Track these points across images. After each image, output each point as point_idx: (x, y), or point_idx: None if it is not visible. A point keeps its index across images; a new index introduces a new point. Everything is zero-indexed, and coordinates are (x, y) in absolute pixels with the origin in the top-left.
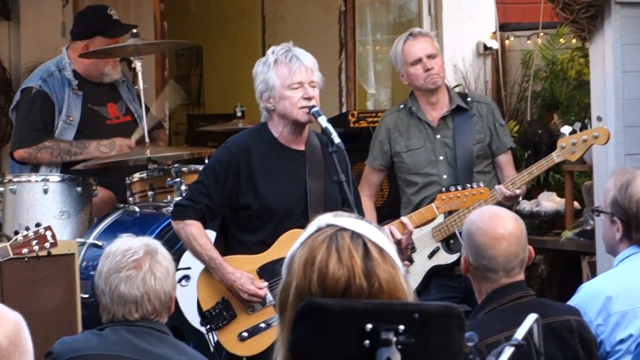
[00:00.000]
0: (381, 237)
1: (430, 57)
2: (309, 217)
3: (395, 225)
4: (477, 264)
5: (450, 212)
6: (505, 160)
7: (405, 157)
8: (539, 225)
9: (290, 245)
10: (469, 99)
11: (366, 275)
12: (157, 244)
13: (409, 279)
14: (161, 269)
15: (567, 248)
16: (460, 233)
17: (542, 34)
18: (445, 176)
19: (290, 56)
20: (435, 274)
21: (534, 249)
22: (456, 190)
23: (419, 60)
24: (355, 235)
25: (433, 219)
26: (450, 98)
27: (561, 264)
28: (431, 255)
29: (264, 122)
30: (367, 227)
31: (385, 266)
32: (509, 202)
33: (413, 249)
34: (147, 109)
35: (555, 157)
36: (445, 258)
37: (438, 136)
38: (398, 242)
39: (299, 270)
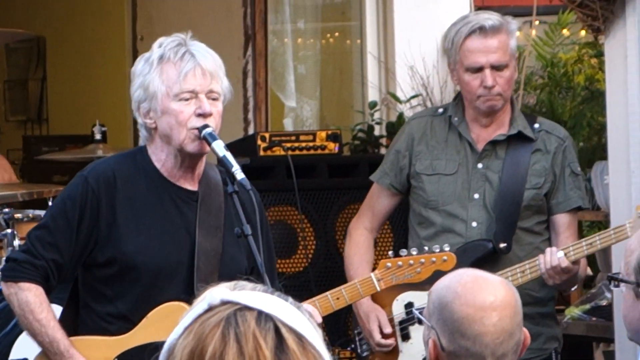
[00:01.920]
0: (302, 319)
1: (497, 68)
2: (194, 286)
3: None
4: (455, 346)
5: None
6: (567, 222)
7: (427, 182)
8: None
9: (163, 326)
10: (536, 125)
11: None
12: None
13: None
14: None
15: (573, 332)
16: (420, 312)
17: (537, 22)
18: (474, 223)
19: (183, 52)
20: None
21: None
22: (409, 255)
23: (480, 69)
24: (263, 316)
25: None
26: (512, 118)
27: (565, 355)
28: None
29: (142, 145)
30: (281, 305)
31: None
32: (556, 280)
33: (412, 321)
34: None
35: (629, 229)
36: None
37: (480, 165)
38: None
39: None
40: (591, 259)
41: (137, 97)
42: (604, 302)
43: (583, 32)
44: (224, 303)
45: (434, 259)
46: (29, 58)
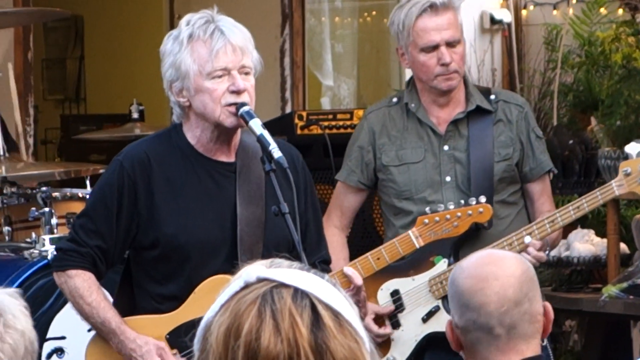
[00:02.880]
0: (338, 296)
1: (451, 45)
2: (239, 258)
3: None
4: (463, 321)
5: (455, 253)
6: (540, 188)
7: (396, 173)
8: (569, 278)
9: (211, 300)
10: (492, 97)
11: (315, 352)
12: (8, 299)
13: (395, 350)
14: (14, 338)
15: (610, 310)
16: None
17: (574, 1)
18: (452, 206)
19: (212, 30)
20: (432, 344)
21: (563, 311)
22: (445, 210)
23: (435, 48)
24: (299, 294)
25: (428, 262)
26: (468, 95)
27: (602, 333)
28: (427, 317)
29: (176, 123)
30: (317, 283)
31: (344, 338)
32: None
33: (400, 308)
34: None
35: (616, 187)
36: None
37: (446, 147)
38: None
39: (217, 344)
40: (629, 237)
41: (168, 76)
42: None
43: (620, 11)
44: (260, 280)
45: (470, 211)
46: (67, 37)
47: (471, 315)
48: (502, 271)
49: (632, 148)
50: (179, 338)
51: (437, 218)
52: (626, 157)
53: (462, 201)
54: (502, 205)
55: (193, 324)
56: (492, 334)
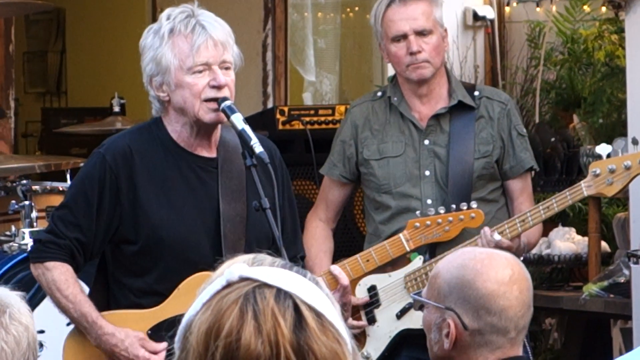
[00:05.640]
0: (321, 296)
1: (420, 33)
2: (223, 254)
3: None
4: (480, 324)
5: (431, 251)
6: (520, 186)
7: (376, 167)
8: (550, 276)
9: (194, 297)
10: (476, 93)
11: (297, 353)
12: (14, 296)
13: (370, 346)
14: (18, 330)
15: (591, 309)
16: (418, 294)
17: None
18: (429, 200)
19: (194, 24)
20: (406, 341)
21: (544, 309)
22: (437, 214)
23: (403, 37)
24: (282, 293)
25: (404, 258)
26: (450, 90)
27: (582, 332)
28: (401, 313)
29: (156, 117)
30: (300, 282)
31: (326, 340)
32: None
33: (377, 304)
34: None
35: (585, 188)
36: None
37: (426, 142)
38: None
39: (198, 344)
40: (610, 236)
41: (149, 70)
42: (622, 279)
43: (604, 8)
44: (243, 279)
45: (462, 216)
46: (49, 30)
47: (491, 319)
48: (516, 274)
49: (602, 149)
50: (161, 334)
51: (428, 222)
52: (609, 155)
53: (454, 205)
54: (481, 203)
55: (175, 321)
56: (507, 337)
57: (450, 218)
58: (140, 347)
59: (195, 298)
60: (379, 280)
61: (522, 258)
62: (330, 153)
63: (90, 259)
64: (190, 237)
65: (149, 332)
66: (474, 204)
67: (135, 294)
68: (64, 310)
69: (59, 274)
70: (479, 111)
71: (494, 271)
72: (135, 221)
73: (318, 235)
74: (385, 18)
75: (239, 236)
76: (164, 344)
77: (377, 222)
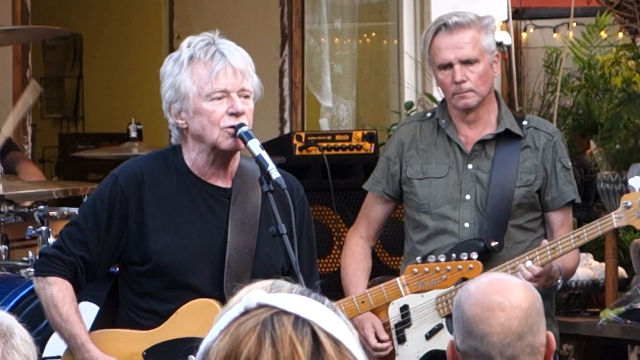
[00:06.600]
0: (339, 323)
1: (466, 63)
2: (225, 285)
3: None
4: (465, 346)
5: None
6: (561, 219)
7: (418, 186)
8: (567, 302)
9: (192, 322)
10: (524, 122)
11: None
12: (12, 322)
13: None
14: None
15: (608, 335)
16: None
17: (574, 24)
18: (467, 224)
19: (213, 52)
20: None
21: (561, 335)
22: (436, 261)
23: (449, 65)
24: (300, 321)
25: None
26: (499, 117)
27: (599, 358)
28: (430, 334)
29: (174, 144)
30: (319, 310)
31: None
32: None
33: (407, 323)
34: None
35: (616, 219)
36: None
37: (470, 166)
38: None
39: None
40: (627, 261)
41: (168, 97)
42: (639, 305)
43: (620, 34)
44: (261, 306)
45: (460, 266)
46: (66, 55)
47: (474, 342)
48: (508, 302)
49: (635, 182)
50: (156, 356)
51: (426, 269)
52: (625, 182)
53: (454, 255)
54: (518, 230)
55: (171, 343)
56: None
57: (449, 267)
58: None
59: (194, 323)
60: (412, 300)
61: (560, 281)
62: (374, 169)
63: (93, 280)
64: (193, 264)
65: (144, 353)
66: (474, 255)
67: (135, 312)
68: (56, 327)
69: (58, 290)
70: (525, 140)
71: (482, 295)
72: (141, 244)
73: (357, 252)
74: (432, 45)
75: (245, 267)
76: None
77: (414, 241)
